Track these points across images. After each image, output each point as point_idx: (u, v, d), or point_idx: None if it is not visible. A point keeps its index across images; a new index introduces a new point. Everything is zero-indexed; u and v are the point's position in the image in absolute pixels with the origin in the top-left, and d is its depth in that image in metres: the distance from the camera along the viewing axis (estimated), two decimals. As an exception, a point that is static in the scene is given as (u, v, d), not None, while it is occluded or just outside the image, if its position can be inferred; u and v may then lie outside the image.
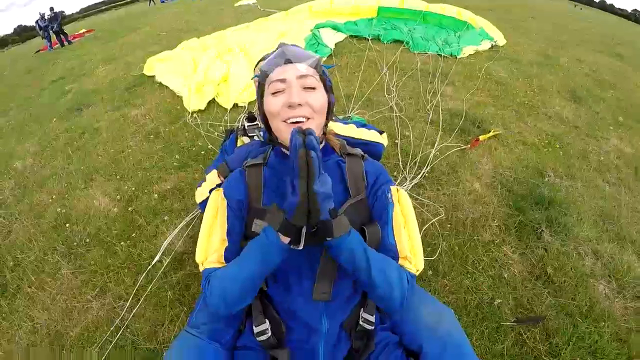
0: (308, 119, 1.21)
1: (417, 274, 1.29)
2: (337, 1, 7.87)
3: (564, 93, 5.33)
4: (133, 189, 3.27)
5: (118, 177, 3.51)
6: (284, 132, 1.22)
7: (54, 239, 2.86)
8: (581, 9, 34.87)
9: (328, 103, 1.29)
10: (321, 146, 1.34)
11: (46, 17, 15.64)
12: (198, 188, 2.05)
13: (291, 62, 1.22)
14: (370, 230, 1.28)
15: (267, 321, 1.32)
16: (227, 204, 1.31)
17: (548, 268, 2.34)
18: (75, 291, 2.41)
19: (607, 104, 5.17)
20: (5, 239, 3.03)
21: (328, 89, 1.30)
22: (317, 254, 1.26)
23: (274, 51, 1.31)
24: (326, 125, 1.36)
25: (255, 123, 2.12)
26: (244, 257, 1.20)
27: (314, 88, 1.22)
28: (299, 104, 1.17)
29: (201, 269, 1.30)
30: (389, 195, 1.32)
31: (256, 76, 1.26)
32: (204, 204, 1.83)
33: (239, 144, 2.09)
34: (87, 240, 2.78)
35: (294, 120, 1.18)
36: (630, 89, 6.13)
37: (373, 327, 1.38)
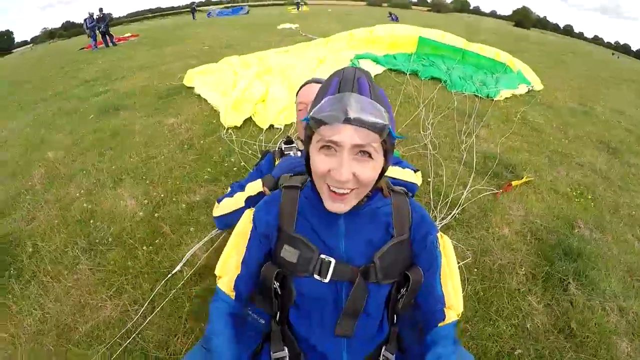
0: (352, 189, 1.07)
1: (458, 318, 1.28)
2: (377, 31, 7.95)
3: (598, 143, 5.27)
4: (162, 195, 3.29)
5: (147, 181, 3.54)
6: (324, 194, 1.10)
7: (76, 233, 2.88)
8: (618, 57, 34.78)
9: (383, 167, 1.11)
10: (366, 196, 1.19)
11: (95, 17, 16.19)
12: (218, 203, 2.07)
13: (350, 123, 0.96)
14: (414, 276, 1.24)
15: (286, 349, 1.30)
16: (253, 230, 1.29)
17: (572, 322, 2.28)
18: (91, 288, 2.40)
19: (641, 159, 5.08)
20: (28, 225, 3.08)
21: (388, 153, 1.08)
22: (342, 288, 1.22)
23: (332, 84, 1.05)
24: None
25: (292, 145, 2.14)
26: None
27: (369, 156, 1.01)
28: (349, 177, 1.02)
29: (218, 283, 1.30)
30: (437, 244, 1.28)
31: (305, 119, 1.03)
32: (222, 219, 1.85)
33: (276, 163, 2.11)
34: (110, 239, 2.79)
35: (337, 190, 1.06)
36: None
37: None
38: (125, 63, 9.76)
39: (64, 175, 3.85)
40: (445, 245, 1.30)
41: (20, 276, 2.55)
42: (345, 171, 0.98)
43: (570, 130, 5.52)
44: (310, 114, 1.01)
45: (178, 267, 2.44)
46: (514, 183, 3.57)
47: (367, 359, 1.32)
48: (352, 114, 0.94)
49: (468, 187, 3.44)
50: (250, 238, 1.28)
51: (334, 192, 1.06)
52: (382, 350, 1.33)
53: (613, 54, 42.39)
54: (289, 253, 1.23)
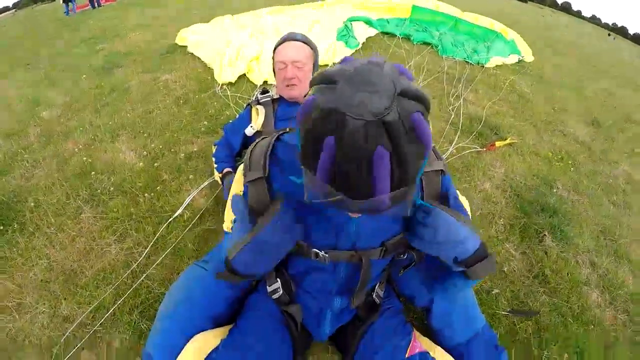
0: None
1: None
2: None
3: (585, 117, 5.40)
4: (160, 146, 3.36)
5: (145, 135, 3.60)
6: None
7: (77, 186, 2.94)
8: (614, 38, 34.76)
9: None
10: None
11: None
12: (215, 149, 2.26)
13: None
14: (418, 254, 1.31)
15: (279, 281, 1.38)
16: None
17: (546, 269, 2.42)
18: (95, 234, 2.49)
19: (626, 135, 5.21)
20: (27, 182, 3.12)
21: None
22: (341, 267, 1.28)
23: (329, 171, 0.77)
24: None
25: (267, 95, 2.27)
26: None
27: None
28: None
29: (225, 229, 1.36)
30: (458, 199, 1.28)
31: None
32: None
33: (253, 113, 2.25)
34: (111, 189, 2.87)
35: None
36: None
37: (380, 301, 1.49)
38: (117, 23, 9.60)
39: (61, 132, 3.88)
40: (461, 199, 1.35)
41: (23, 230, 2.61)
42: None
43: (558, 103, 5.62)
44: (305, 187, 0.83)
45: (179, 211, 2.55)
46: (497, 143, 3.69)
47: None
48: (360, 213, 0.90)
49: (453, 143, 3.55)
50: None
51: None
52: (376, 286, 1.48)
53: (609, 34, 42.23)
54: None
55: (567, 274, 2.43)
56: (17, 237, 2.53)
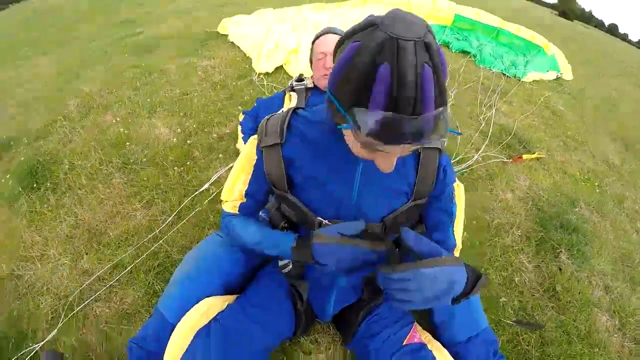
0: None
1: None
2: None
3: (616, 139, 5.29)
4: (194, 126, 3.47)
5: (181, 114, 3.72)
6: (361, 154, 1.04)
7: (111, 154, 3.07)
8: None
9: None
10: None
11: None
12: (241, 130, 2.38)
13: (408, 143, 0.84)
14: (418, 230, 1.36)
15: None
16: (257, 162, 1.29)
17: (557, 285, 2.39)
18: (123, 199, 2.61)
19: (658, 160, 5.10)
20: (64, 146, 3.26)
21: None
22: None
23: (381, 77, 0.79)
24: None
25: (303, 83, 2.36)
26: (262, 238, 1.29)
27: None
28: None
29: (223, 206, 1.40)
30: (454, 196, 1.32)
31: (347, 127, 0.89)
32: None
33: (286, 99, 2.34)
34: (144, 160, 2.99)
35: None
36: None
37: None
38: (159, 7, 9.86)
39: (100, 105, 4.02)
40: (459, 193, 1.35)
41: (56, 189, 2.76)
42: (389, 168, 0.96)
43: (591, 122, 5.51)
44: (357, 117, 0.83)
45: (206, 185, 2.66)
46: (524, 156, 3.66)
47: (366, 277, 1.44)
48: (410, 139, 0.82)
49: (480, 151, 3.55)
50: (253, 170, 1.31)
51: None
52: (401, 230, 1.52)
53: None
54: (287, 209, 1.33)
55: (579, 293, 2.39)
56: (48, 195, 2.67)
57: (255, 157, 1.28)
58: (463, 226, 1.38)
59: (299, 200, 1.26)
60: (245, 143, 2.40)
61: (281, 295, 1.50)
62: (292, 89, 2.36)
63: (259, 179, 1.30)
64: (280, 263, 1.45)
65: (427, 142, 0.83)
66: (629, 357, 2.15)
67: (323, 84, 2.26)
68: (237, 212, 1.36)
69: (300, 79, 2.43)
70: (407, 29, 0.79)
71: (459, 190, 1.34)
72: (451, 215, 1.31)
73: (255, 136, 1.30)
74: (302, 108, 1.32)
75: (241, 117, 2.59)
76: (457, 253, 1.35)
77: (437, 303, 0.99)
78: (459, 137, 3.75)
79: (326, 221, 1.24)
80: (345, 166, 1.18)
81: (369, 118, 0.81)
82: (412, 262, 0.98)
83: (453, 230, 1.33)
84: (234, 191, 1.35)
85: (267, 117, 1.29)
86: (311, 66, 2.34)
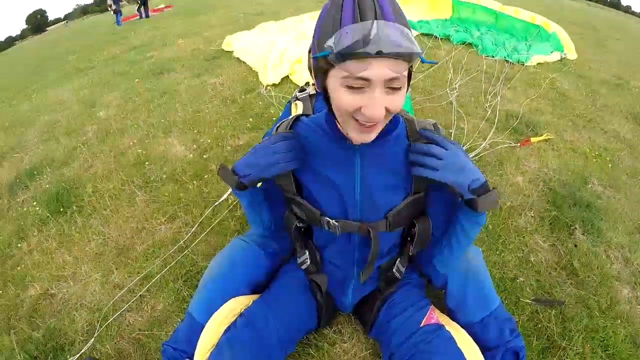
0: (375, 125, 1.02)
1: None
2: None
3: (628, 114, 5.21)
4: (209, 141, 3.60)
5: (195, 131, 3.86)
6: (351, 127, 1.04)
7: (132, 174, 3.21)
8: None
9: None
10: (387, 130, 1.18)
11: None
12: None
13: (382, 56, 0.84)
14: (421, 225, 1.36)
15: (307, 252, 1.50)
16: None
17: (575, 261, 2.39)
18: (147, 216, 2.73)
19: (672, 132, 5.02)
20: (86, 171, 3.41)
21: (411, 75, 1.00)
22: (355, 237, 1.38)
23: (345, 6, 0.89)
24: None
25: (305, 92, 2.42)
26: None
27: (399, 88, 0.94)
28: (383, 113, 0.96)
29: None
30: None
31: (325, 53, 0.89)
32: None
33: (292, 109, 2.43)
34: (163, 177, 3.12)
35: (366, 123, 0.99)
36: None
37: (400, 276, 1.54)
38: (166, 31, 10.09)
39: (117, 129, 4.18)
40: None
41: (82, 211, 2.88)
42: (378, 108, 0.92)
43: (600, 99, 5.45)
44: (329, 44, 0.88)
45: (225, 196, 2.76)
46: (532, 139, 3.68)
47: (382, 267, 1.51)
48: (385, 47, 0.82)
49: (487, 138, 3.58)
50: None
51: (364, 125, 0.99)
52: (397, 261, 1.52)
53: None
54: (298, 210, 1.37)
55: (597, 268, 2.37)
56: (75, 217, 2.80)
57: None
58: None
59: (307, 202, 1.32)
60: None
61: (302, 289, 1.57)
62: (297, 99, 2.44)
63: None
64: (299, 260, 1.51)
65: (399, 50, 0.84)
66: None
67: None
68: None
69: (302, 89, 2.51)
70: None
71: None
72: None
73: None
74: (306, 115, 1.38)
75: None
76: None
77: (461, 175, 1.15)
78: (466, 127, 3.79)
79: (333, 221, 1.30)
80: (345, 163, 1.24)
81: (341, 35, 0.85)
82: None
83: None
84: None
85: (277, 124, 1.39)
86: (311, 74, 2.39)
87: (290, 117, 1.37)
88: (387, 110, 0.95)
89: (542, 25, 7.23)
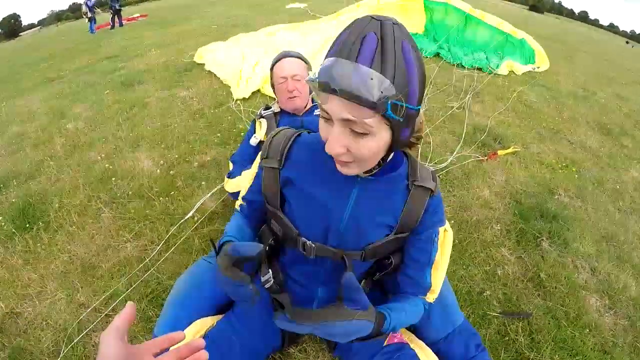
0: (352, 161, 0.99)
1: (432, 301, 1.39)
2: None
3: (594, 125, 5.37)
4: (176, 156, 3.57)
5: (163, 146, 3.81)
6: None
7: (99, 189, 3.14)
8: (632, 46, 34.40)
9: (392, 142, 0.97)
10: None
11: None
12: (228, 178, 2.43)
13: (336, 94, 0.84)
14: (397, 257, 1.36)
15: (270, 271, 1.45)
16: (256, 175, 1.38)
17: (542, 273, 2.44)
18: (113, 233, 2.67)
19: (636, 141, 5.19)
20: (53, 185, 3.32)
21: (397, 127, 0.92)
22: (326, 262, 1.35)
23: (338, 39, 0.91)
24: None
25: (270, 110, 2.46)
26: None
27: (363, 134, 0.91)
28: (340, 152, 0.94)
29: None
30: (436, 240, 1.31)
31: (309, 79, 0.90)
32: (236, 194, 2.07)
33: (256, 126, 2.44)
34: (130, 193, 3.06)
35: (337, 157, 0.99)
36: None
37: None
38: (139, 42, 10.02)
39: (84, 143, 4.10)
40: (446, 239, 1.35)
41: (47, 227, 2.80)
42: (333, 145, 0.92)
43: (566, 111, 5.61)
44: (315, 70, 0.89)
45: (190, 213, 2.73)
46: (499, 152, 3.76)
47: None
48: (335, 85, 0.82)
49: (455, 153, 3.64)
50: (253, 181, 1.40)
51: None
52: (362, 283, 1.49)
53: (627, 42, 41.88)
54: (276, 226, 1.35)
55: (565, 278, 2.43)
56: (41, 234, 2.72)
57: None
58: (445, 270, 1.40)
59: (288, 219, 1.30)
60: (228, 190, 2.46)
61: (266, 308, 1.55)
62: (262, 117, 2.45)
63: (255, 190, 1.37)
64: (263, 279, 1.46)
65: (350, 93, 0.82)
66: (623, 334, 2.18)
67: (290, 106, 2.33)
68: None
69: (267, 107, 2.52)
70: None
71: (446, 236, 1.35)
72: (429, 256, 1.32)
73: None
74: (308, 131, 1.36)
75: (231, 166, 2.56)
76: (432, 296, 1.37)
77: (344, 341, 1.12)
78: (432, 142, 3.84)
79: (310, 242, 1.28)
80: (341, 190, 1.21)
81: (321, 66, 0.87)
82: (315, 312, 1.15)
83: (430, 272, 1.34)
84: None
85: (275, 131, 1.35)
86: (274, 91, 2.40)
87: (290, 132, 1.33)
88: (350, 152, 0.94)
89: (510, 32, 7.41)
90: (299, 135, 1.32)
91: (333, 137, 0.91)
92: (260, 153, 1.34)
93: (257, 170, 1.35)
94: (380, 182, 1.19)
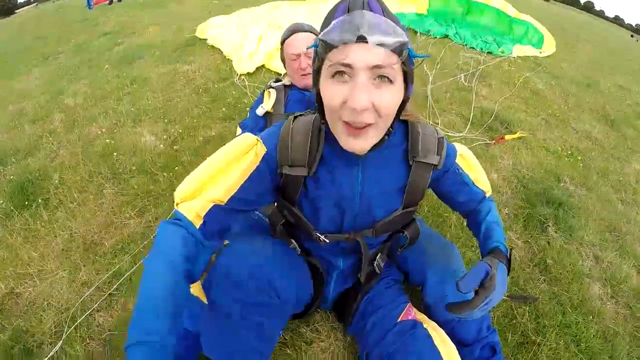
0: (370, 125, 0.95)
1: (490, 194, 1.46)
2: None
3: (598, 115, 5.34)
4: (180, 131, 3.52)
5: (166, 120, 3.76)
6: (340, 131, 0.99)
7: (100, 165, 3.09)
8: (637, 40, 34.13)
9: (402, 101, 1.00)
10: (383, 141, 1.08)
11: None
12: (240, 128, 2.35)
13: (365, 41, 0.85)
14: (411, 230, 1.41)
15: (294, 242, 1.45)
16: (260, 166, 1.17)
17: (548, 259, 2.42)
18: (116, 209, 2.63)
19: (639, 132, 5.17)
20: (52, 162, 3.28)
21: (409, 80, 0.98)
22: (342, 243, 1.37)
23: (339, 7, 0.93)
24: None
25: (280, 83, 2.37)
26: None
27: (390, 81, 0.90)
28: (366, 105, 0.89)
29: (178, 208, 1.15)
30: (459, 170, 1.33)
31: (314, 46, 0.95)
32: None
33: (265, 96, 2.35)
34: (132, 168, 3.02)
35: (354, 124, 0.94)
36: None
37: (380, 271, 1.54)
38: (138, 19, 9.87)
39: (84, 118, 4.05)
40: (465, 159, 1.38)
41: (47, 204, 2.76)
42: (361, 96, 0.87)
43: (572, 99, 5.57)
44: (319, 36, 0.91)
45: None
46: (507, 136, 3.73)
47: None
48: (365, 31, 0.84)
49: (462, 134, 3.63)
50: (252, 176, 1.16)
51: (351, 126, 0.94)
52: (377, 256, 1.52)
53: (632, 36, 41.64)
54: (287, 215, 1.34)
55: (569, 265, 2.42)
56: (41, 211, 2.67)
57: (256, 164, 1.16)
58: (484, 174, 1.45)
59: (303, 214, 1.28)
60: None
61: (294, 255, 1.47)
62: (271, 87, 2.38)
63: (251, 190, 1.17)
64: (290, 246, 1.45)
65: (382, 38, 0.86)
66: (623, 323, 2.17)
67: (302, 83, 2.26)
68: (201, 220, 1.11)
69: (278, 79, 2.45)
70: None
71: (463, 158, 1.37)
72: (464, 182, 1.35)
73: (251, 136, 1.20)
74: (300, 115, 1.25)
75: (239, 131, 2.50)
76: (489, 194, 1.44)
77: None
78: (439, 123, 3.81)
79: (323, 237, 1.28)
80: (347, 174, 1.18)
81: (329, 27, 0.89)
82: (481, 291, 1.08)
83: (476, 187, 1.39)
84: (203, 191, 1.15)
85: (289, 132, 1.17)
86: (284, 65, 2.33)
87: (314, 133, 1.18)
88: (375, 107, 0.91)
89: (515, 16, 7.38)
90: (294, 123, 1.20)
91: (359, 88, 0.88)
92: (251, 136, 1.20)
93: (255, 168, 1.16)
94: (377, 157, 1.17)
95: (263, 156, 1.16)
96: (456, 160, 1.32)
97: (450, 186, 1.36)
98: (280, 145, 1.16)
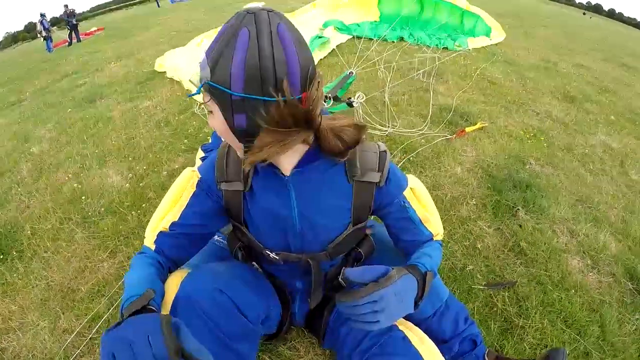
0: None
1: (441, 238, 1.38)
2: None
3: (558, 94, 5.48)
4: (144, 168, 3.52)
5: (130, 158, 3.76)
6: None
7: (69, 211, 3.07)
8: (590, 17, 34.98)
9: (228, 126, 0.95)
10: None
11: (67, 12, 16.36)
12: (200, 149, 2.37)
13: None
14: (365, 247, 1.40)
15: (254, 264, 1.45)
16: (196, 193, 1.26)
17: (521, 242, 2.45)
18: (89, 253, 2.61)
19: (600, 106, 5.32)
20: (23, 213, 3.23)
21: (221, 105, 0.92)
22: (296, 265, 1.34)
23: None
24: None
25: None
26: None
27: (210, 111, 0.97)
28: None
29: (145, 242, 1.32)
30: (406, 204, 1.28)
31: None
32: None
33: None
34: (101, 210, 3.00)
35: None
36: (629, 96, 6.22)
37: (346, 284, 1.57)
38: (98, 56, 9.85)
39: (51, 165, 4.02)
40: (417, 193, 1.32)
41: (22, 256, 2.73)
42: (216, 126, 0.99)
43: (530, 84, 5.71)
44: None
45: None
46: (467, 129, 3.79)
47: (327, 277, 1.46)
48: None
49: (420, 130, 3.69)
50: (190, 203, 1.25)
51: None
52: (342, 270, 1.56)
53: (584, 13, 42.70)
54: (239, 237, 1.37)
55: (544, 244, 2.45)
56: (16, 264, 2.64)
57: (192, 191, 1.25)
58: (437, 214, 1.39)
59: (250, 233, 1.29)
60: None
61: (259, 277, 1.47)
62: None
63: (192, 215, 1.25)
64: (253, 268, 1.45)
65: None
66: (609, 291, 2.21)
67: None
68: (153, 245, 1.26)
69: None
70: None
71: (414, 192, 1.32)
72: (411, 219, 1.29)
73: (188, 170, 1.30)
74: None
75: (200, 154, 2.55)
76: (439, 237, 1.36)
77: (401, 315, 1.07)
78: (399, 125, 3.86)
79: (273, 254, 1.28)
80: (282, 194, 1.17)
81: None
82: (371, 284, 1.00)
83: (424, 227, 1.31)
84: (159, 226, 1.28)
85: (226, 149, 1.22)
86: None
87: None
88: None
89: (465, 8, 7.46)
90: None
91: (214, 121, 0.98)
92: (192, 170, 1.29)
93: (194, 190, 1.25)
94: (308, 173, 1.14)
95: (197, 182, 1.25)
96: (404, 193, 1.28)
97: (393, 221, 1.32)
98: (218, 164, 1.21)
